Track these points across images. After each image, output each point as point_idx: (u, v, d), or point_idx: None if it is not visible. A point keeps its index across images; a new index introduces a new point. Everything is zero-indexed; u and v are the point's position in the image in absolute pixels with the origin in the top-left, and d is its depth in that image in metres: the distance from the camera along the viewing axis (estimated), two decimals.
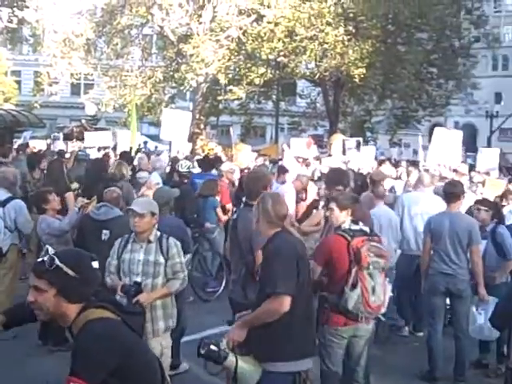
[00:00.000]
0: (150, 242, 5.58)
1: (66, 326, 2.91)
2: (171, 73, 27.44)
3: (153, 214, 5.55)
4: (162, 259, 5.56)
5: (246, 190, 5.94)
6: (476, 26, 31.48)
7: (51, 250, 2.87)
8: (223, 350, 4.21)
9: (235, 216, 5.91)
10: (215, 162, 13.94)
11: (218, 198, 10.51)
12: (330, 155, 19.23)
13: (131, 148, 15.99)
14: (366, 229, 5.40)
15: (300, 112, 35.40)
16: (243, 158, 16.22)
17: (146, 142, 26.34)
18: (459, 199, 7.21)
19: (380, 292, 5.20)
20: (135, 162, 13.37)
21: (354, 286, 5.11)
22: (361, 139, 19.41)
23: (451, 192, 7.19)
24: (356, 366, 5.55)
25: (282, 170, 11.41)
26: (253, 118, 33.41)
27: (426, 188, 8.97)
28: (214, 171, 12.53)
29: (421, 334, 8.37)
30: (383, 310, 5.46)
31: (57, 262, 2.80)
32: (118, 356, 2.77)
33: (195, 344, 7.58)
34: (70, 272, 2.81)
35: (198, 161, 13.79)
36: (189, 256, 7.64)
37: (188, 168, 10.91)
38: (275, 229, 4.47)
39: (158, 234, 5.66)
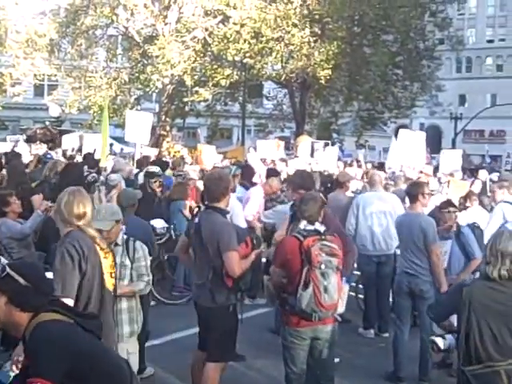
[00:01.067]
0: (117, 244, 5.58)
1: (20, 338, 2.89)
2: (136, 74, 27.13)
3: (118, 221, 5.49)
4: (127, 261, 5.61)
5: (207, 192, 5.83)
6: (440, 29, 31.93)
7: (3, 261, 2.87)
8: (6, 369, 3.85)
9: (197, 220, 5.81)
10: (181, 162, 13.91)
11: (187, 201, 10.40)
12: (296, 157, 19.33)
13: (95, 150, 15.78)
14: (321, 229, 5.36)
15: (267, 114, 35.46)
16: (207, 160, 16.19)
17: (111, 144, 26.04)
18: (419, 200, 7.26)
19: (333, 291, 5.18)
20: (104, 164, 13.23)
21: (306, 286, 5.11)
22: (329, 142, 19.52)
23: (413, 192, 7.26)
24: (319, 368, 5.55)
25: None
26: (219, 119, 33.35)
27: (381, 187, 9.04)
28: (168, 172, 12.57)
29: (386, 334, 8.39)
30: (340, 310, 5.47)
31: (7, 270, 2.85)
32: (71, 356, 2.78)
33: (160, 348, 7.63)
34: (21, 280, 2.85)
35: (151, 163, 13.74)
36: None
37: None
38: (69, 228, 4.42)
39: (125, 237, 5.69)
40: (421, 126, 51.77)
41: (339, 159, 20.51)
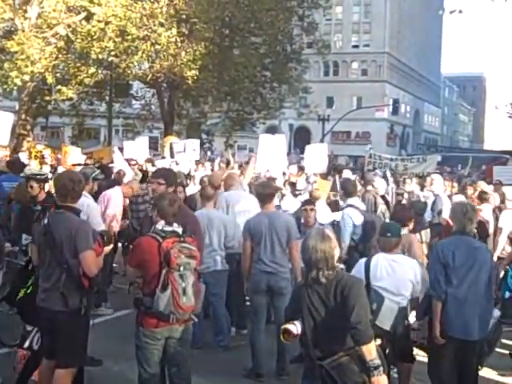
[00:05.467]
0: None
1: None
2: None
3: None
4: None
5: (61, 191, 5.57)
6: (307, 33, 32.74)
7: None
8: None
9: (46, 221, 5.54)
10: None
11: None
12: (163, 157, 19.22)
13: None
14: (179, 230, 5.33)
15: (135, 114, 34.89)
16: (72, 161, 15.66)
17: None
18: (273, 199, 7.46)
19: (191, 293, 5.18)
20: None
21: (164, 288, 5.07)
22: (186, 142, 19.36)
23: (265, 193, 7.38)
24: (173, 367, 5.52)
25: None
26: (85, 119, 32.44)
27: (240, 187, 9.18)
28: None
29: (245, 331, 8.43)
30: (196, 310, 5.42)
31: None
32: None
33: (9, 357, 7.21)
34: None
35: (7, 162, 13.04)
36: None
37: None
38: None
39: None
40: (290, 126, 52.82)
41: (209, 159, 20.62)
